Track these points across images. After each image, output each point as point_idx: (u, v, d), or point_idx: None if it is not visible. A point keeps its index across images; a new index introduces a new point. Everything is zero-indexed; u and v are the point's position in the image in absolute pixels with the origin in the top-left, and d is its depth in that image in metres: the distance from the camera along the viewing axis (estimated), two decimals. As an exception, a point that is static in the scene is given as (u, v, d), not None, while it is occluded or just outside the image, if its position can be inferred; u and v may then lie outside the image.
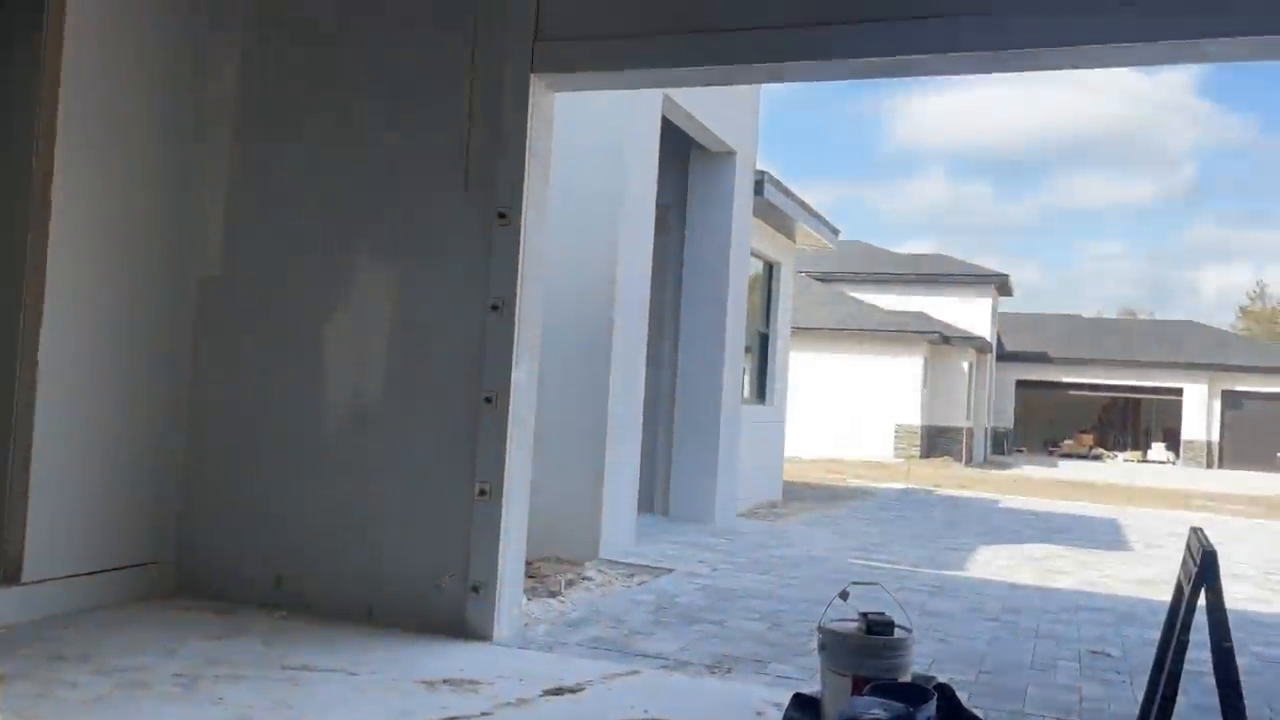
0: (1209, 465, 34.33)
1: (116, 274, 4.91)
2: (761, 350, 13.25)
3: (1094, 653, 5.44)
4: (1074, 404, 38.37)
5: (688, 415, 10.25)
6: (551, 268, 5.50)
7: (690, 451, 10.21)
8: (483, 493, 4.69)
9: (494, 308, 4.76)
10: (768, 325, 13.37)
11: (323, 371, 5.10)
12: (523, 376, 4.82)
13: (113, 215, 4.88)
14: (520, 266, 4.76)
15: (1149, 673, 3.34)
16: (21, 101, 4.63)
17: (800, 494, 14.80)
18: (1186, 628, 2.91)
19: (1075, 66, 4.33)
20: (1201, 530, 3.14)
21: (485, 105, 4.86)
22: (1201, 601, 2.86)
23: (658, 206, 8.55)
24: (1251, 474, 30.21)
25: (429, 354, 4.90)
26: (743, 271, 10.92)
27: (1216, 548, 2.91)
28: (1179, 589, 3.16)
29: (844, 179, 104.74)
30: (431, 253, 4.93)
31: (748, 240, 10.96)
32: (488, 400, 4.74)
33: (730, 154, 10.21)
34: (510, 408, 4.74)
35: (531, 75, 4.78)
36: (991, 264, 37.75)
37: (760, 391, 13.30)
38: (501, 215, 4.78)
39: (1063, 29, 3.97)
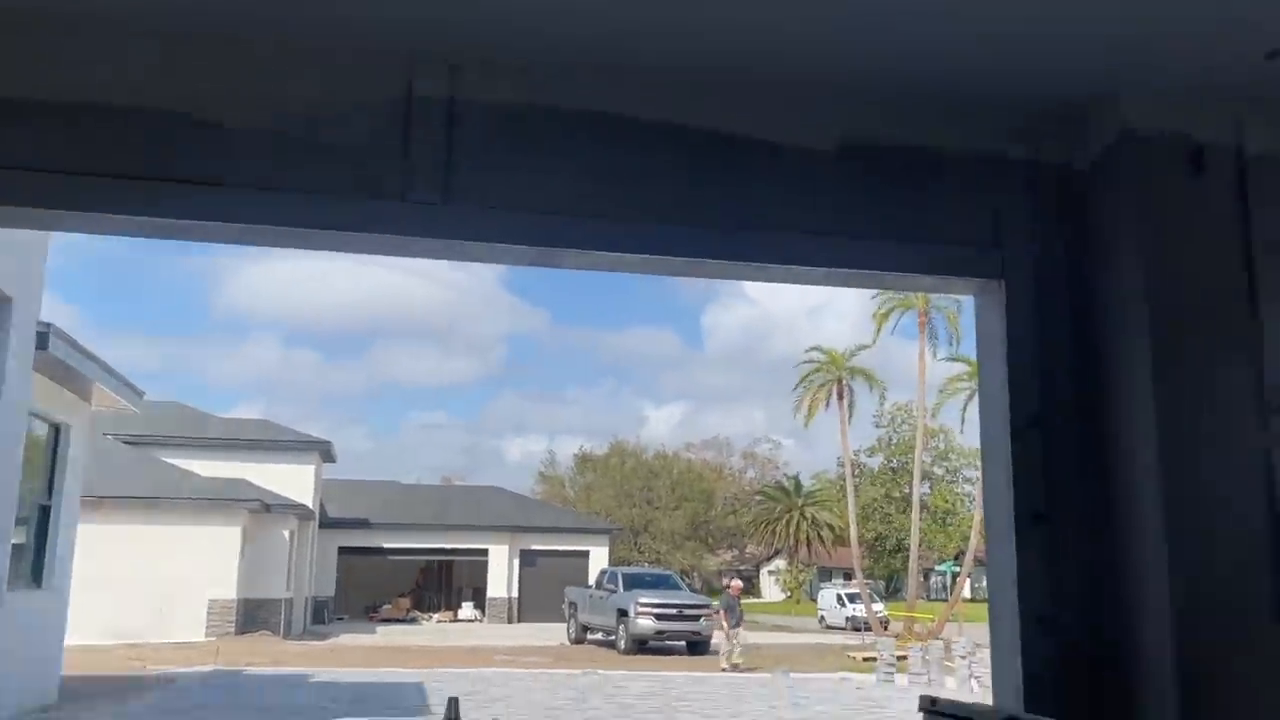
0: (510, 620, 37.50)
1: None
2: (41, 526, 11.49)
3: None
4: (394, 569, 39.50)
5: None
6: None
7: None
8: None
9: None
10: (50, 496, 11.69)
11: None
12: None
13: None
14: None
15: None
16: None
17: (85, 690, 12.87)
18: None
19: (323, 248, 4.49)
20: (457, 701, 3.26)
21: None
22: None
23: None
24: (545, 625, 33.62)
25: None
26: (16, 436, 9.45)
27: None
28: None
29: (173, 337, 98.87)
30: None
31: (25, 399, 9.57)
32: None
33: (5, 301, 8.92)
34: None
35: None
36: (323, 431, 38.26)
37: (36, 574, 11.45)
38: None
39: (330, 216, 4.11)
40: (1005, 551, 4.15)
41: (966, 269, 4.12)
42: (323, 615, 34.68)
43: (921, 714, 3.48)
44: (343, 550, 36.99)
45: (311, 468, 32.39)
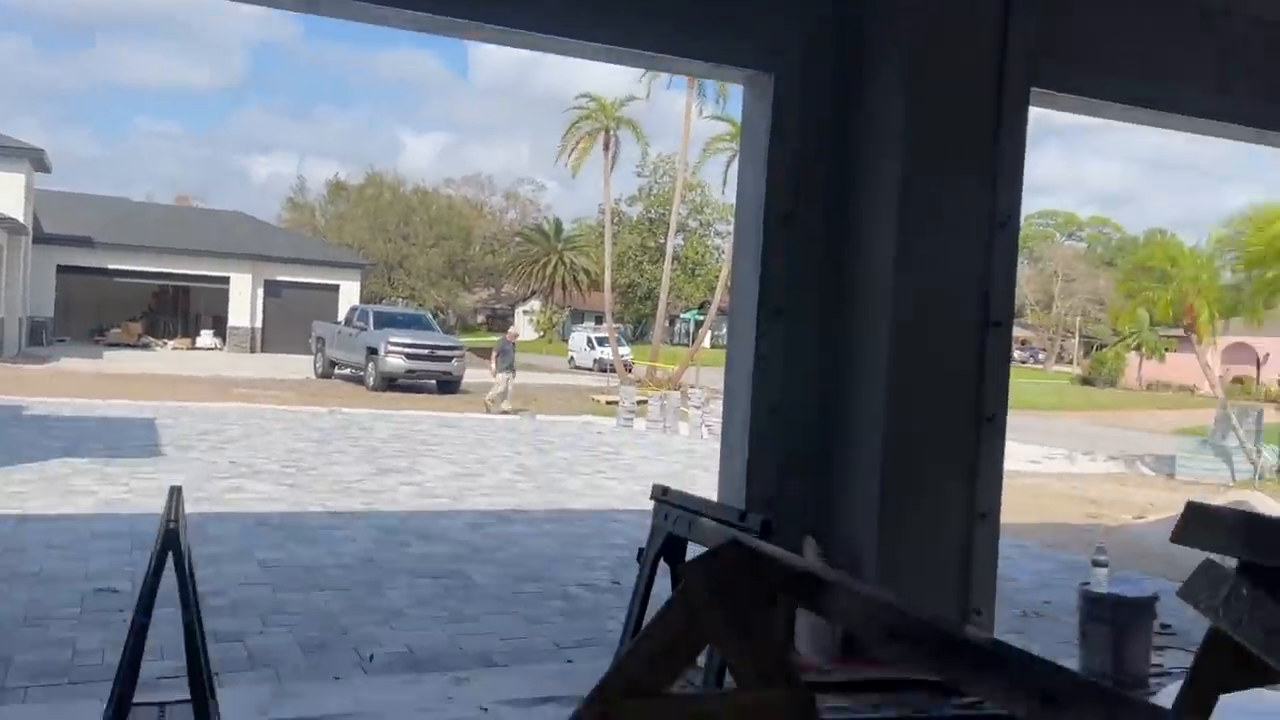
0: (252, 350, 36.40)
1: None
2: None
3: (100, 590, 5.20)
4: (122, 291, 36.92)
5: None
6: None
7: None
8: None
9: None
10: None
11: None
12: None
13: None
14: None
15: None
16: None
17: None
18: (152, 593, 2.87)
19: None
20: (179, 491, 3.07)
21: None
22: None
23: None
24: (288, 357, 32.91)
25: None
26: None
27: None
28: (155, 561, 3.06)
29: None
30: None
31: None
32: None
33: None
34: None
35: None
36: (36, 133, 33.94)
37: None
38: None
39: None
40: (746, 343, 4.27)
41: (740, 59, 3.98)
42: (40, 337, 32.31)
43: (652, 502, 3.62)
44: (63, 269, 34.08)
45: (21, 176, 29.09)
